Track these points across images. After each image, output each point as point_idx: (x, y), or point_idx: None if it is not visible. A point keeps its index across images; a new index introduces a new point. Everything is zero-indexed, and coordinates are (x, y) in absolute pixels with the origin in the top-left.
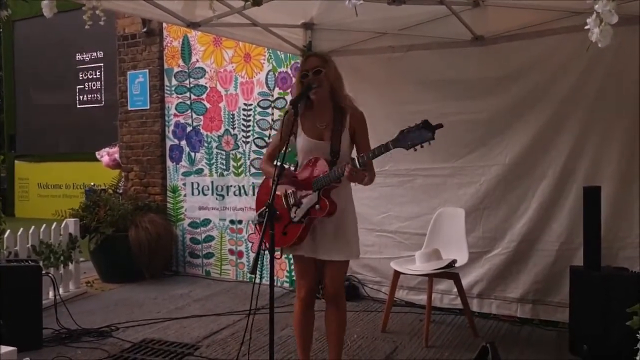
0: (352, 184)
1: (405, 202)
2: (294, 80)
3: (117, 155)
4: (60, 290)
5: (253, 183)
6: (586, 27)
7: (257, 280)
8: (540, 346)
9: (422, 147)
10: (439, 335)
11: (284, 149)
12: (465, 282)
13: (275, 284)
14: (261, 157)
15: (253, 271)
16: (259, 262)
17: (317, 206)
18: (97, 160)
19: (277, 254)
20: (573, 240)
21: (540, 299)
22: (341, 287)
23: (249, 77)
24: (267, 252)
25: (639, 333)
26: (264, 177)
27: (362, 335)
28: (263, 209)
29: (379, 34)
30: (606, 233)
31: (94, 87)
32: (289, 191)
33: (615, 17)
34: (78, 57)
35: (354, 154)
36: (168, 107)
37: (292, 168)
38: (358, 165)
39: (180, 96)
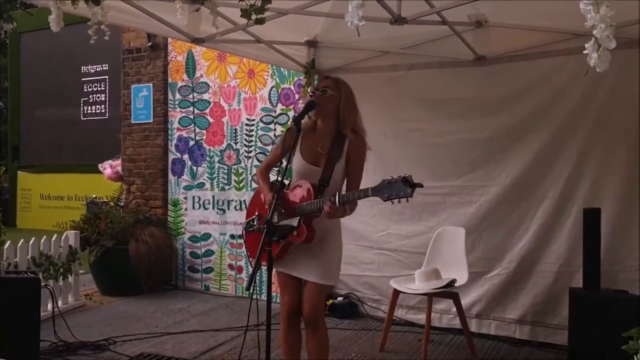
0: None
1: (404, 220)
2: (296, 96)
3: (119, 168)
4: (59, 303)
5: None
6: (585, 52)
7: (257, 296)
8: None
9: (399, 201)
10: (437, 355)
11: (285, 164)
12: (464, 302)
13: (274, 300)
14: None
15: (249, 287)
16: (255, 279)
17: (295, 232)
18: (99, 172)
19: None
20: (573, 262)
21: (539, 321)
22: (317, 310)
23: (252, 93)
24: (264, 268)
25: (634, 358)
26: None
27: (360, 354)
28: (251, 218)
29: (381, 52)
30: (606, 255)
31: (99, 100)
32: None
33: (613, 42)
34: (83, 69)
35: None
36: (171, 121)
37: (287, 182)
38: (338, 203)
39: (183, 110)
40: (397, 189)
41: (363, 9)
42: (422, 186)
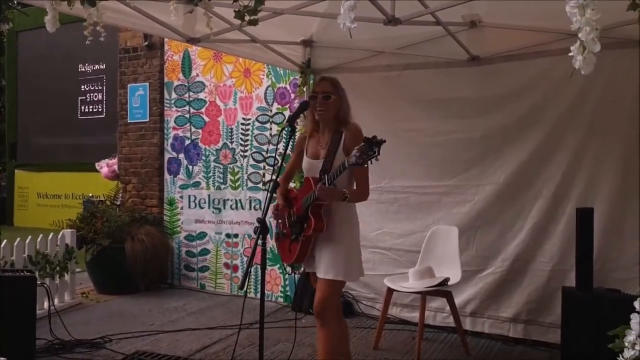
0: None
1: (399, 219)
2: (292, 96)
3: (116, 167)
4: (56, 301)
5: (250, 197)
6: (570, 54)
7: (253, 295)
8: None
9: (373, 162)
10: (431, 353)
11: (279, 163)
12: (458, 300)
13: (269, 299)
14: (258, 171)
15: (242, 286)
16: (248, 278)
17: (305, 224)
18: (96, 171)
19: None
20: (566, 261)
21: (533, 319)
22: (325, 304)
23: (248, 92)
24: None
25: (619, 356)
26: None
27: (354, 353)
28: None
29: (376, 52)
30: (598, 254)
31: (96, 99)
32: (292, 210)
33: (598, 45)
34: (81, 68)
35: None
36: (167, 120)
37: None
38: (327, 184)
39: (179, 109)
40: (366, 151)
41: (356, 9)
42: (384, 141)
